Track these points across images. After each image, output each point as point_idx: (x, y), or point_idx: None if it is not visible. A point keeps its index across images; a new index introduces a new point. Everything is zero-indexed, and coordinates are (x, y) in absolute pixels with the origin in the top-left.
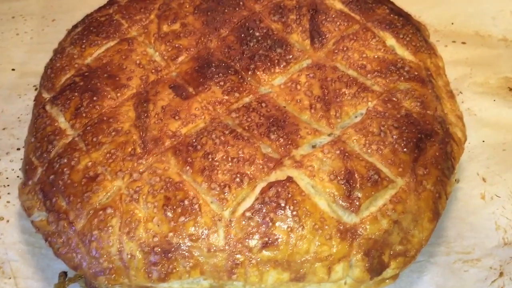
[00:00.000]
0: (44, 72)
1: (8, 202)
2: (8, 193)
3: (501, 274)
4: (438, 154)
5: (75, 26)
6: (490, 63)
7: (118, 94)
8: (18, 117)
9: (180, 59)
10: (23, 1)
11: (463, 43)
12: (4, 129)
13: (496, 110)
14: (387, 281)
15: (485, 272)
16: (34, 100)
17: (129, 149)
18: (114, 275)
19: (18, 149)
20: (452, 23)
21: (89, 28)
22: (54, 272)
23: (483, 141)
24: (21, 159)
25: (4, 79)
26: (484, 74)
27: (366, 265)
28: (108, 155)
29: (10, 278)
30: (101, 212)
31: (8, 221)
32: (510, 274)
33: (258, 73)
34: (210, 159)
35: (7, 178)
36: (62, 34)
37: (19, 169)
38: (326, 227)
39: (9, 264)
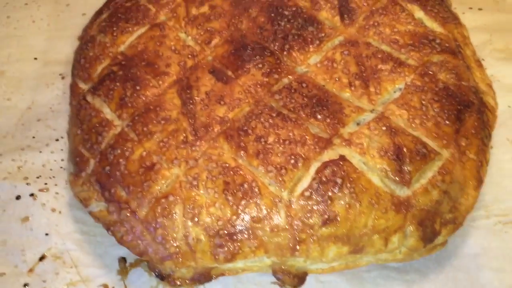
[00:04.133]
0: (76, 62)
1: (57, 193)
2: (55, 185)
3: None
4: (477, 124)
5: (99, 13)
6: (508, 29)
7: (160, 82)
8: (50, 107)
9: (213, 42)
10: None
11: (480, 9)
12: (38, 120)
13: None
14: (437, 247)
15: None
16: (70, 91)
17: (181, 137)
18: (181, 258)
19: (57, 139)
20: None
21: (116, 15)
22: (113, 259)
23: (509, 106)
24: (61, 149)
25: (29, 69)
26: (504, 39)
27: (420, 234)
28: (161, 143)
29: (71, 267)
30: (163, 200)
31: (60, 212)
32: None
33: (293, 53)
34: (263, 143)
35: (51, 169)
36: (79, 19)
37: (61, 160)
38: (382, 201)
39: (69, 254)
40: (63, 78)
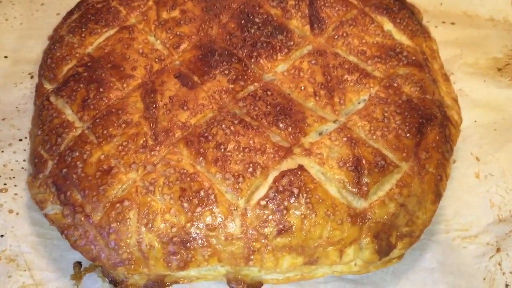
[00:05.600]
0: (43, 61)
1: (15, 194)
2: (15, 185)
3: (498, 249)
4: (438, 138)
5: (70, 13)
6: (479, 44)
7: (124, 85)
8: (17, 107)
9: (182, 47)
10: None
11: (452, 23)
12: (3, 119)
13: (486, 90)
14: (393, 260)
15: (483, 248)
16: (35, 91)
17: (141, 141)
18: (133, 265)
19: (20, 140)
20: (441, 3)
21: (86, 16)
22: (68, 263)
23: (475, 121)
24: (24, 150)
25: None
26: (474, 54)
27: (375, 247)
28: (120, 147)
29: (25, 270)
30: (118, 205)
31: (17, 213)
32: (507, 250)
33: (261, 60)
34: (222, 150)
35: (11, 170)
36: (53, 18)
37: (23, 160)
38: (338, 212)
39: (23, 256)
40: (32, 77)
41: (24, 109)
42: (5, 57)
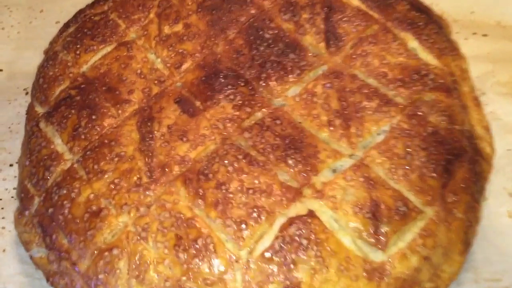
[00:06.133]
0: (36, 80)
1: (3, 228)
2: (3, 218)
3: None
4: (468, 177)
5: (66, 25)
6: None
7: (119, 111)
8: (9, 127)
9: (184, 66)
10: None
11: (484, 35)
12: None
13: None
14: None
15: None
16: (26, 113)
17: (135, 178)
18: None
19: (11, 165)
20: (472, 12)
21: (82, 30)
22: None
23: (508, 150)
24: (15, 176)
25: None
26: (508, 72)
27: None
28: (111, 185)
29: None
30: (106, 254)
31: (4, 250)
32: None
33: (270, 83)
34: (224, 191)
35: (0, 199)
36: (52, 27)
37: (13, 188)
38: (352, 267)
39: None
40: (27, 93)
41: (17, 129)
42: (0, 70)
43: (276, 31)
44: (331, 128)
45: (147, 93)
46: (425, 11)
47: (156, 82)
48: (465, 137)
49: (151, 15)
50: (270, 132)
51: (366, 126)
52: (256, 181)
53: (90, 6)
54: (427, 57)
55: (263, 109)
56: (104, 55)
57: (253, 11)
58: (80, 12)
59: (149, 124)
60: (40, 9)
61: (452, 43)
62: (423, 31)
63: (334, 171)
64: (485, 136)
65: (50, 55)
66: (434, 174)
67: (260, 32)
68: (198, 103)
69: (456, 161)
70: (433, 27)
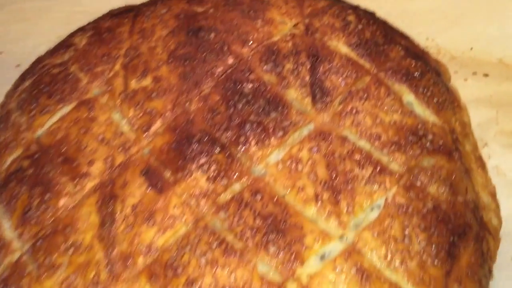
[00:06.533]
0: None
1: None
2: None
3: None
4: (474, 260)
5: (22, 78)
6: None
7: (77, 188)
8: None
9: (153, 128)
10: None
11: (486, 75)
12: None
13: None
14: None
15: None
16: None
17: (92, 274)
18: None
19: None
20: (471, 48)
21: (39, 86)
22: None
23: None
24: None
25: None
26: None
27: None
28: (64, 284)
29: None
30: None
31: None
32: None
33: (249, 148)
34: None
35: None
36: (12, 72)
37: None
38: None
39: None
40: None
41: None
42: None
43: (257, 85)
44: (319, 203)
45: (109, 163)
46: (421, 57)
47: (120, 149)
48: (469, 209)
49: (117, 67)
50: (249, 210)
51: (358, 200)
52: (232, 276)
53: (50, 53)
54: (425, 112)
55: (242, 179)
56: (62, 117)
57: (230, 61)
58: (39, 61)
59: (110, 204)
60: (0, 51)
61: (452, 92)
62: (420, 82)
63: (322, 257)
64: (491, 204)
65: (3, 115)
66: (436, 261)
67: (239, 86)
68: (167, 174)
69: (460, 241)
70: (430, 77)
